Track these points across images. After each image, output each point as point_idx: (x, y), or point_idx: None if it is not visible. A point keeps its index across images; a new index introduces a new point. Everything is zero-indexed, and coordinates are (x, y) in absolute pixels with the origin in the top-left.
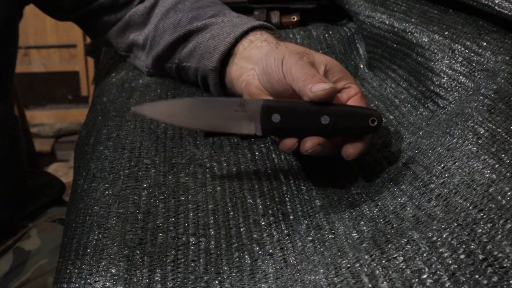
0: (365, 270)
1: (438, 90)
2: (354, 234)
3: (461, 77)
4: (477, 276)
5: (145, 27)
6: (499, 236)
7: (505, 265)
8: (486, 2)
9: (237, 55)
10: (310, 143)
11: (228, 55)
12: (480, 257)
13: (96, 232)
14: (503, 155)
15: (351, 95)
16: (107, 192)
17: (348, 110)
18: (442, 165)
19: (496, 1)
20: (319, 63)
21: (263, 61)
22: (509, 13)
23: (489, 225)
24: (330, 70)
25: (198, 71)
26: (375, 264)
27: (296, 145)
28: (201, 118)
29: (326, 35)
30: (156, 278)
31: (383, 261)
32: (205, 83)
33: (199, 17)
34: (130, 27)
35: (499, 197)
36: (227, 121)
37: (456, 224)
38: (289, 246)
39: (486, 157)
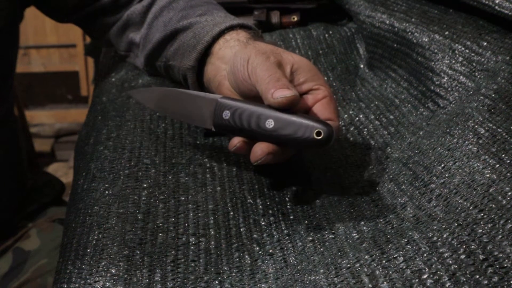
0: (366, 270)
1: (438, 90)
2: (354, 234)
3: (461, 77)
4: (477, 276)
5: (142, 26)
6: (500, 236)
7: (505, 265)
8: (487, 2)
9: (213, 55)
10: (259, 152)
11: (206, 54)
12: (481, 257)
13: (96, 232)
14: (503, 155)
15: (318, 99)
16: (107, 192)
17: (293, 118)
18: (443, 165)
19: (497, 1)
20: (286, 63)
21: (231, 61)
22: (510, 13)
23: (489, 225)
24: (297, 71)
25: (180, 69)
26: (375, 264)
27: (243, 146)
28: (169, 107)
29: (326, 35)
30: (156, 278)
31: (384, 261)
32: (186, 82)
33: (188, 16)
34: (128, 26)
35: (500, 197)
36: (191, 113)
37: (456, 224)
38: (289, 246)
39: (487, 157)
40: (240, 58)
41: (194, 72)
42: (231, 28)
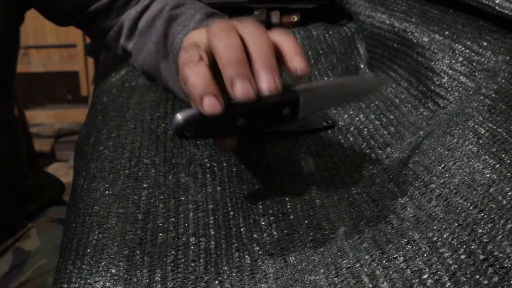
0: (366, 270)
1: (438, 90)
2: (354, 234)
3: (461, 77)
4: (477, 277)
5: (134, 33)
6: (500, 236)
7: (505, 265)
8: (487, 2)
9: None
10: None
11: None
12: (481, 257)
13: (96, 232)
14: (503, 155)
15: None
16: (107, 192)
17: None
18: (443, 165)
19: (497, 1)
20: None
21: None
22: (510, 13)
23: (489, 225)
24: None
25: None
26: (375, 264)
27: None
28: None
29: (326, 35)
30: (156, 278)
31: (384, 261)
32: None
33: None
34: (122, 32)
35: (500, 197)
36: None
37: (456, 224)
38: (289, 246)
39: (487, 157)
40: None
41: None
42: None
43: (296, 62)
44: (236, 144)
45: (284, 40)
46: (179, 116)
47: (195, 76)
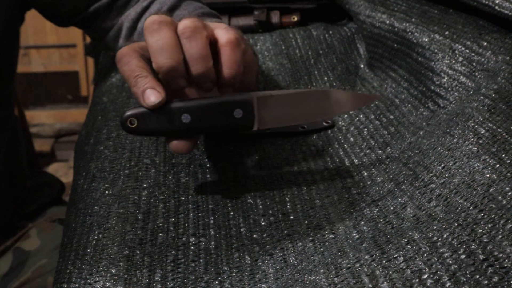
0: (366, 270)
1: (438, 90)
2: (354, 234)
3: (461, 77)
4: (477, 277)
5: (134, 33)
6: (500, 236)
7: (505, 265)
8: (487, 2)
9: None
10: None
11: None
12: (481, 257)
13: (96, 232)
14: (503, 155)
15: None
16: (107, 192)
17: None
18: (443, 165)
19: (497, 1)
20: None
21: None
22: (510, 13)
23: (489, 225)
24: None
25: None
26: (375, 264)
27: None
28: None
29: (326, 35)
30: (156, 278)
31: (384, 261)
32: None
33: None
34: (122, 32)
35: (500, 197)
36: None
37: (456, 224)
38: (289, 246)
39: (487, 157)
40: None
41: None
42: None
43: (225, 69)
44: (190, 147)
45: (223, 43)
46: (128, 110)
47: (131, 71)
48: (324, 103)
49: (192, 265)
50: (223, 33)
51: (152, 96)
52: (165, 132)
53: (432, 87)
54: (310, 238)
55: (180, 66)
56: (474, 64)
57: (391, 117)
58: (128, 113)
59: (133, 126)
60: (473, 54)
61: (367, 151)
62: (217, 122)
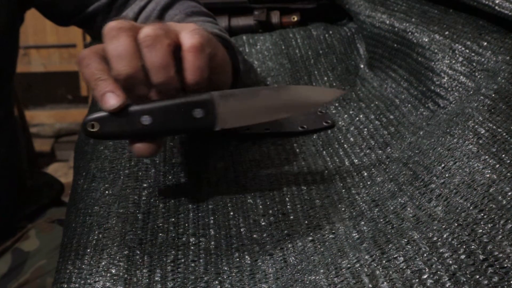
0: (366, 270)
1: (438, 90)
2: (354, 234)
3: (461, 77)
4: (477, 277)
5: None
6: (500, 236)
7: (505, 265)
8: (487, 2)
9: None
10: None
11: None
12: (481, 257)
13: (96, 232)
14: (503, 155)
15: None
16: (107, 192)
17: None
18: (443, 165)
19: (497, 1)
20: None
21: None
22: (510, 13)
23: (489, 225)
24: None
25: None
26: (375, 264)
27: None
28: None
29: (326, 35)
30: (156, 278)
31: (384, 261)
32: None
33: None
34: None
35: (500, 197)
36: None
37: (456, 224)
38: (289, 246)
39: (487, 157)
40: None
41: None
42: None
43: (188, 75)
44: (153, 150)
45: (186, 49)
46: (89, 114)
47: (91, 74)
48: (288, 99)
49: (192, 265)
50: (187, 37)
51: (112, 99)
52: (126, 135)
53: (432, 87)
54: (310, 238)
55: (139, 73)
56: (474, 64)
57: (391, 117)
58: (89, 117)
59: (94, 130)
60: (473, 54)
61: (367, 151)
62: (178, 123)
